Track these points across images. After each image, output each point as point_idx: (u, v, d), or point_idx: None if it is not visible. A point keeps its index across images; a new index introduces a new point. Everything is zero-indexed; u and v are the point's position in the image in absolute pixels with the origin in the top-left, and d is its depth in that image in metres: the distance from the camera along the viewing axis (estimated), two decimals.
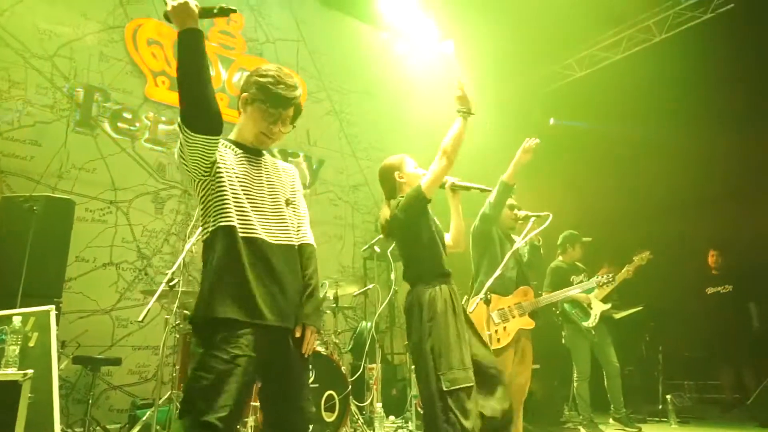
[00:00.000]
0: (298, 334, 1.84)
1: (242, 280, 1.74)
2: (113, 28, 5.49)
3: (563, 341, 4.99)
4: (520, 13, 6.65)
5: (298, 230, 2.01)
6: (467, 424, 2.25)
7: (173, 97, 5.72)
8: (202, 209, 1.87)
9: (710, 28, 6.72)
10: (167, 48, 5.82)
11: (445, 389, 2.31)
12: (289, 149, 6.62)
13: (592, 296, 4.78)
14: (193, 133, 1.70)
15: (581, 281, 4.90)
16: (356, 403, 4.13)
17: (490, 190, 3.16)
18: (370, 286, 5.08)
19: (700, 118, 6.46)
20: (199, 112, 1.71)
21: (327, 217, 6.78)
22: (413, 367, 2.44)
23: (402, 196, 2.71)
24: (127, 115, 5.44)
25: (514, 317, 3.47)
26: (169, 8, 1.70)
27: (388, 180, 2.86)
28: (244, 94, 1.93)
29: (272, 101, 1.90)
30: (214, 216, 1.80)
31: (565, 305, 4.80)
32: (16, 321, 2.96)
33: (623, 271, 4.72)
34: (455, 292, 2.60)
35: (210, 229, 1.82)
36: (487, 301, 3.19)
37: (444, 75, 8.10)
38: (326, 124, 7.10)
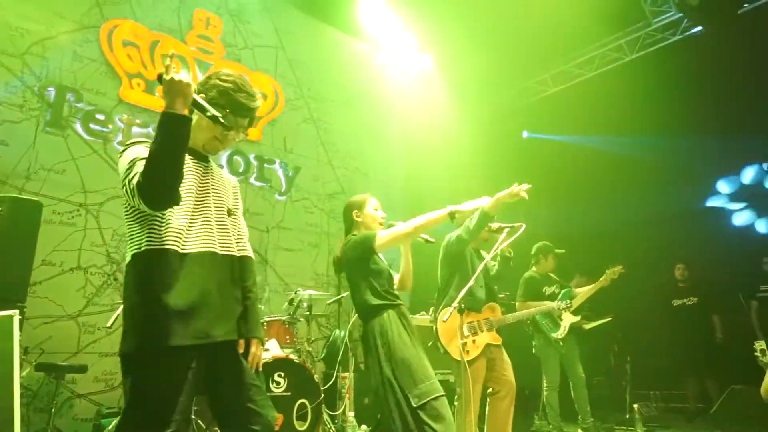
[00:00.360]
0: (241, 350, 1.82)
1: (177, 299, 1.64)
2: (88, 28, 5.40)
3: (533, 351, 5.05)
4: (497, 28, 6.79)
5: (239, 242, 1.97)
6: (439, 428, 2.28)
7: (148, 100, 5.64)
8: (129, 226, 1.74)
9: (679, 50, 6.98)
10: (143, 50, 5.74)
11: (415, 405, 2.36)
12: (265, 156, 6.58)
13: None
14: (146, 207, 1.63)
15: (553, 292, 4.98)
16: (329, 411, 4.10)
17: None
18: (344, 294, 5.06)
19: (670, 135, 6.68)
20: (160, 198, 1.63)
21: (302, 225, 6.75)
22: (385, 401, 2.47)
23: (354, 234, 2.86)
24: (100, 117, 5.33)
25: (482, 331, 3.56)
26: (168, 78, 1.58)
27: (347, 217, 3.00)
28: (201, 95, 1.81)
29: (232, 107, 1.85)
30: (148, 235, 1.69)
31: (536, 316, 4.87)
32: None
33: (595, 283, 4.84)
34: (404, 313, 2.70)
35: (142, 249, 1.68)
36: (461, 310, 3.22)
37: (422, 88, 8.21)
38: (303, 132, 7.08)
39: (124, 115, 5.49)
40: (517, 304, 4.89)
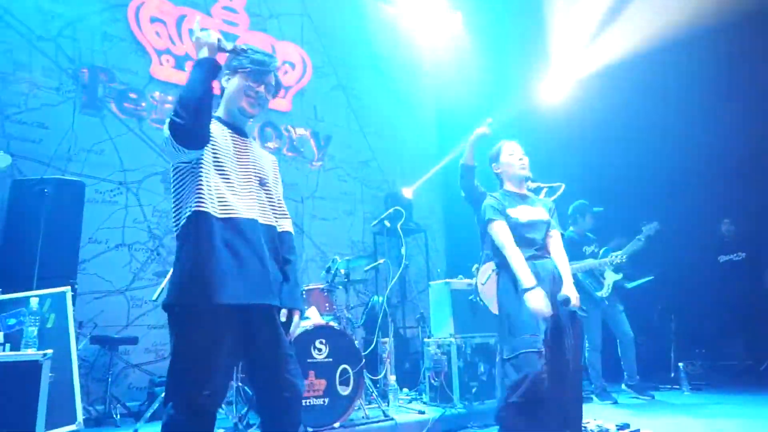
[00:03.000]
0: (284, 319, 1.86)
1: (220, 261, 1.72)
2: (116, 7, 5.43)
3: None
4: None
5: (280, 217, 2.03)
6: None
7: (178, 76, 5.68)
8: (176, 192, 1.85)
9: None
10: (170, 26, 5.75)
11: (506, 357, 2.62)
12: (296, 125, 6.57)
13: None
14: (181, 148, 1.74)
15: (593, 251, 4.88)
16: (370, 376, 4.17)
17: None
18: (381, 260, 5.09)
19: (711, 87, 6.32)
20: (191, 132, 1.74)
21: (336, 193, 6.77)
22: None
23: (492, 197, 2.99)
24: (133, 95, 5.41)
25: None
26: (193, 39, 1.83)
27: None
28: (226, 69, 1.98)
29: (254, 63, 1.94)
30: (191, 200, 1.78)
31: (578, 275, 4.80)
32: (34, 302, 3.00)
33: (631, 243, 4.71)
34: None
35: (187, 215, 1.78)
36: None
37: (452, 48, 7.97)
38: (333, 99, 7.03)
39: (156, 92, 5.55)
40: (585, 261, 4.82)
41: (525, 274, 2.61)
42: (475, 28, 7.71)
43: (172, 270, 1.85)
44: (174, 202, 1.85)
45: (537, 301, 2.52)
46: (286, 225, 2.04)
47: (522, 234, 2.78)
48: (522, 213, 2.84)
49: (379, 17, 7.69)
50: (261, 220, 1.88)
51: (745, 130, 6.09)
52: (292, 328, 1.89)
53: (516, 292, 2.64)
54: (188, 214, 1.77)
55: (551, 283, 2.72)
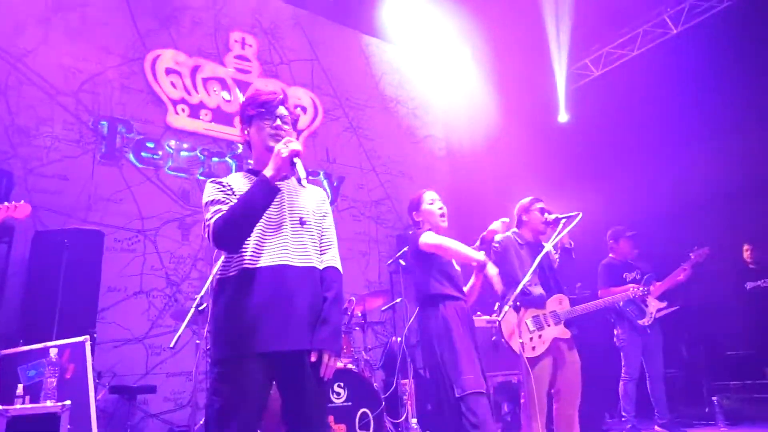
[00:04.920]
0: (313, 359, 1.84)
1: (252, 312, 1.79)
2: (133, 61, 5.63)
3: (615, 340, 4.86)
4: (531, 19, 6.62)
5: (323, 252, 2.03)
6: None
7: (193, 124, 5.82)
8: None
9: (731, 17, 6.56)
10: (185, 76, 5.94)
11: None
12: (308, 168, 6.65)
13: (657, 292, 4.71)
14: (218, 249, 1.88)
15: (634, 278, 4.80)
16: (391, 419, 4.07)
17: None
18: (398, 299, 5.03)
19: (727, 111, 6.29)
20: (232, 246, 1.85)
21: (350, 233, 6.78)
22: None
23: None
24: (150, 144, 5.54)
25: (549, 326, 3.38)
26: (278, 153, 1.85)
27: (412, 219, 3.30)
28: (243, 123, 2.07)
29: (262, 105, 2.01)
30: (228, 259, 1.90)
31: (621, 303, 4.69)
32: (53, 353, 3.01)
33: (679, 269, 4.65)
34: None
35: (221, 266, 1.91)
36: (517, 308, 3.13)
37: (461, 84, 8.10)
38: (344, 141, 7.13)
39: (171, 141, 5.68)
40: (599, 292, 4.72)
41: (470, 251, 2.87)
42: (483, 62, 7.83)
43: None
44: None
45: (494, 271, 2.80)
46: (328, 259, 2.04)
47: (450, 276, 2.97)
48: None
49: (386, 57, 7.86)
50: (298, 263, 1.89)
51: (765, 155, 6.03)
52: (322, 370, 1.85)
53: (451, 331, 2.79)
54: (222, 266, 1.90)
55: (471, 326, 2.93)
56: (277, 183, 1.94)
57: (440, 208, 3.10)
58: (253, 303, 1.79)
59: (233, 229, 1.80)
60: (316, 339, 1.86)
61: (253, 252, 1.85)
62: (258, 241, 1.87)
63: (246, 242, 1.86)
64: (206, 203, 1.89)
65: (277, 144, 1.88)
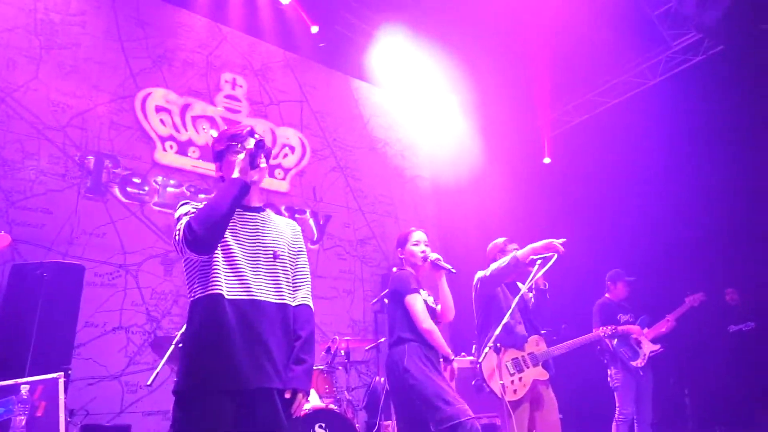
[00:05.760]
0: (287, 396, 1.83)
1: (221, 346, 1.75)
2: (123, 98, 5.70)
3: (609, 381, 4.84)
4: (516, 65, 6.86)
5: (295, 290, 2.00)
6: None
7: (181, 161, 5.86)
8: (187, 276, 1.91)
9: (704, 70, 6.87)
10: (175, 114, 6.01)
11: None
12: (295, 206, 6.69)
13: (641, 334, 4.73)
14: (189, 252, 1.81)
15: (628, 320, 4.84)
16: None
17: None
18: (382, 339, 4.98)
19: (705, 157, 6.49)
20: (203, 246, 1.80)
21: (335, 272, 6.76)
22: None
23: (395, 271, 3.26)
24: (136, 180, 5.55)
25: (528, 367, 3.38)
26: (235, 161, 1.93)
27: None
28: (216, 160, 2.08)
29: (231, 139, 2.02)
30: (199, 284, 1.84)
31: (613, 342, 4.71)
32: (24, 390, 2.93)
33: (673, 313, 4.70)
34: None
35: (192, 298, 1.86)
36: (497, 350, 3.13)
37: (447, 128, 8.29)
38: (332, 180, 7.20)
39: (158, 177, 5.70)
40: (594, 331, 4.74)
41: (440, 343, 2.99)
42: (468, 106, 8.04)
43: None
44: (187, 280, 1.91)
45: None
46: (301, 297, 2.00)
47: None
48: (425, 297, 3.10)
49: (374, 100, 8.05)
50: (271, 299, 1.87)
51: (746, 198, 6.19)
52: (294, 407, 1.84)
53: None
54: (194, 297, 1.85)
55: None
56: (251, 215, 1.98)
57: (422, 252, 3.13)
58: (223, 336, 1.75)
59: (203, 224, 1.77)
60: (290, 378, 1.84)
61: (226, 281, 1.82)
62: (230, 270, 1.83)
63: (217, 270, 1.82)
64: (177, 218, 1.89)
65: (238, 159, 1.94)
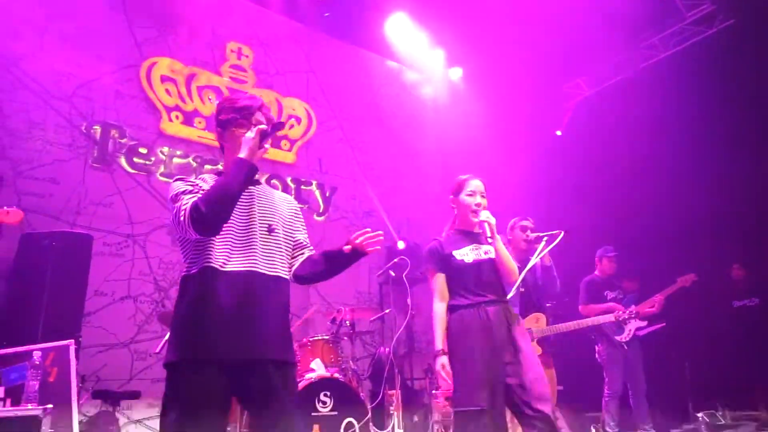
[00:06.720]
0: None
1: (213, 317, 1.73)
2: (129, 68, 5.65)
3: (597, 356, 4.88)
4: (525, 37, 6.72)
5: (296, 257, 2.02)
6: None
7: (187, 131, 5.84)
8: (181, 247, 1.89)
9: (715, 45, 6.73)
10: (180, 84, 5.96)
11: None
12: (301, 178, 6.68)
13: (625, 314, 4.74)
14: (194, 233, 1.76)
15: (615, 297, 4.84)
16: (377, 430, 4.05)
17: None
18: (387, 310, 5.04)
19: (716, 132, 6.39)
20: (211, 227, 1.77)
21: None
22: None
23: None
24: (143, 150, 5.54)
25: None
26: (246, 139, 1.82)
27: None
28: (219, 127, 1.99)
29: (240, 111, 1.93)
30: (193, 258, 1.82)
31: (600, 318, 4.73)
32: (36, 356, 2.98)
33: (663, 291, 4.68)
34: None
35: (186, 268, 1.84)
36: None
37: (454, 101, 8.19)
38: (338, 152, 7.17)
39: (164, 148, 5.69)
40: (580, 308, 4.76)
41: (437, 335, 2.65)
42: (476, 80, 7.92)
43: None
44: (182, 252, 1.89)
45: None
46: (302, 259, 2.04)
47: (469, 276, 2.64)
48: (468, 254, 2.69)
49: (381, 72, 7.94)
50: (265, 271, 1.85)
51: (756, 174, 6.12)
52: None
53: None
54: (188, 267, 1.83)
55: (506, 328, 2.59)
56: (248, 189, 1.91)
57: (477, 204, 2.75)
58: (216, 307, 1.73)
59: (212, 206, 1.72)
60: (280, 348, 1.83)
61: (220, 254, 1.80)
62: (225, 243, 1.82)
63: (212, 242, 1.80)
64: (175, 195, 1.82)
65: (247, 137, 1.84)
